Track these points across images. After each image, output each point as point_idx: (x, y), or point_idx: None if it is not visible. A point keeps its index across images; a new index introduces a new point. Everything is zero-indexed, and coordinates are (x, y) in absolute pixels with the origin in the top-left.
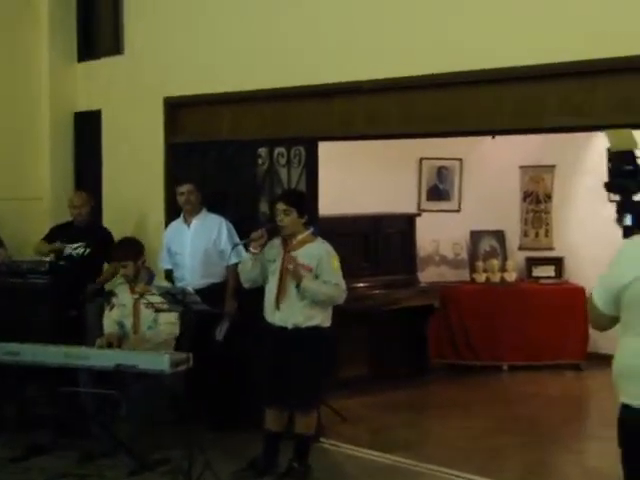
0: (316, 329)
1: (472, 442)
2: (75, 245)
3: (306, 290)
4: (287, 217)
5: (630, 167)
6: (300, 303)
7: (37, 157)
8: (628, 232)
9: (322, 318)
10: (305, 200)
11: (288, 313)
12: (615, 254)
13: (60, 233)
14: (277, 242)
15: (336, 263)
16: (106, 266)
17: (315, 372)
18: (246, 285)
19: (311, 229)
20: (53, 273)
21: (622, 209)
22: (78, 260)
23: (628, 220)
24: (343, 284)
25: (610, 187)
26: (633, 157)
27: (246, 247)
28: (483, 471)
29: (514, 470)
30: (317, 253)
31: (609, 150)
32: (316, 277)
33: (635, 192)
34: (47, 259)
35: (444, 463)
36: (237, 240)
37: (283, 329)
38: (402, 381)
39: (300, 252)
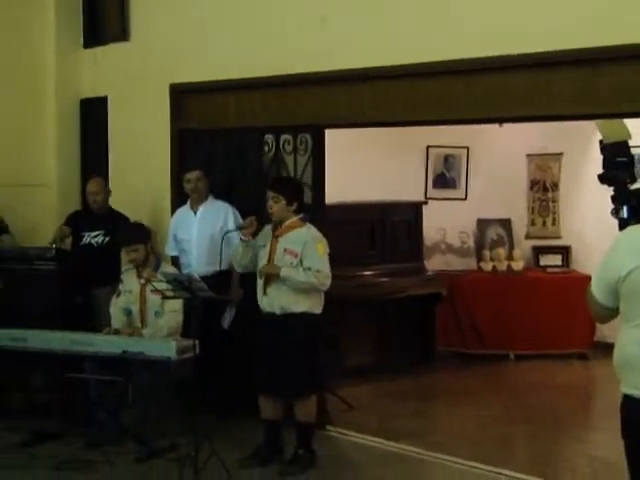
0: (305, 315)
1: (479, 430)
2: (94, 233)
3: (286, 279)
4: (276, 204)
5: (623, 159)
6: (284, 287)
7: (43, 144)
8: (624, 224)
9: (310, 304)
10: (295, 188)
11: (274, 298)
12: (611, 245)
13: (78, 220)
14: (268, 228)
15: (322, 249)
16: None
17: (306, 358)
18: (239, 270)
19: (300, 215)
20: (59, 260)
21: (617, 201)
22: (97, 248)
23: (624, 212)
24: (327, 270)
25: (602, 179)
26: (627, 148)
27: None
28: (489, 459)
29: (521, 459)
30: (303, 238)
31: (601, 142)
32: (300, 262)
33: (628, 183)
34: (64, 247)
35: (451, 451)
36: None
37: (272, 314)
38: (409, 369)
39: (287, 237)
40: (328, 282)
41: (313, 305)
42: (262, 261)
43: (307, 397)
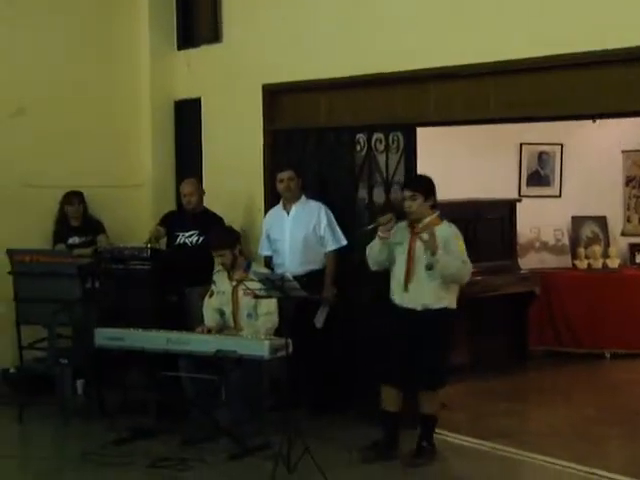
0: (445, 310)
1: (572, 430)
2: (188, 233)
3: (439, 260)
4: (414, 202)
5: None
6: (429, 284)
7: (139, 145)
8: None
9: (450, 300)
10: (430, 185)
11: (417, 294)
12: None
13: (173, 220)
14: (403, 225)
15: (462, 244)
16: None
17: (443, 353)
18: (373, 268)
19: (437, 212)
20: (154, 259)
21: None
22: (191, 248)
23: None
24: (469, 265)
25: None
26: None
27: (374, 231)
28: (583, 460)
29: (616, 460)
30: (444, 235)
31: None
32: None
33: None
34: (158, 246)
35: (543, 451)
36: (335, 226)
37: (412, 310)
38: (502, 368)
39: (433, 231)
40: (469, 276)
41: (451, 301)
42: (399, 257)
43: (438, 390)
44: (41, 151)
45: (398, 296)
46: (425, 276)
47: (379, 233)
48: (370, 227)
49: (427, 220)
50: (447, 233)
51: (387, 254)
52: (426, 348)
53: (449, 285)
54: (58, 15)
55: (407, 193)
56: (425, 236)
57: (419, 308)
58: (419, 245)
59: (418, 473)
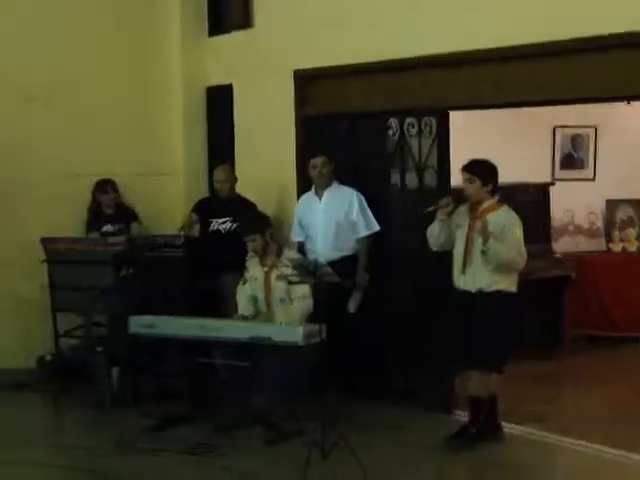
0: (499, 293)
1: (609, 415)
2: (222, 220)
3: (490, 249)
4: (471, 185)
5: None
6: (485, 268)
7: (171, 132)
8: None
9: (507, 283)
10: (490, 169)
11: (473, 277)
12: None
13: (206, 207)
14: (464, 209)
15: (519, 232)
16: None
17: (499, 335)
18: (434, 249)
19: (497, 197)
20: (188, 246)
21: None
22: (225, 235)
23: None
24: (524, 253)
25: None
26: None
27: (434, 213)
28: (620, 444)
29: None
30: (501, 221)
31: None
32: None
33: None
34: (192, 233)
35: (580, 435)
36: (368, 212)
37: (468, 293)
38: (538, 352)
39: (485, 219)
40: (524, 263)
41: (510, 284)
42: (459, 240)
43: (492, 372)
44: (73, 140)
45: (457, 279)
46: (481, 260)
47: (438, 215)
48: (430, 209)
49: (485, 204)
50: (505, 219)
51: (447, 236)
52: (481, 330)
53: (504, 270)
54: (89, 2)
55: (465, 175)
56: (479, 224)
57: (474, 290)
58: (477, 229)
59: (456, 458)
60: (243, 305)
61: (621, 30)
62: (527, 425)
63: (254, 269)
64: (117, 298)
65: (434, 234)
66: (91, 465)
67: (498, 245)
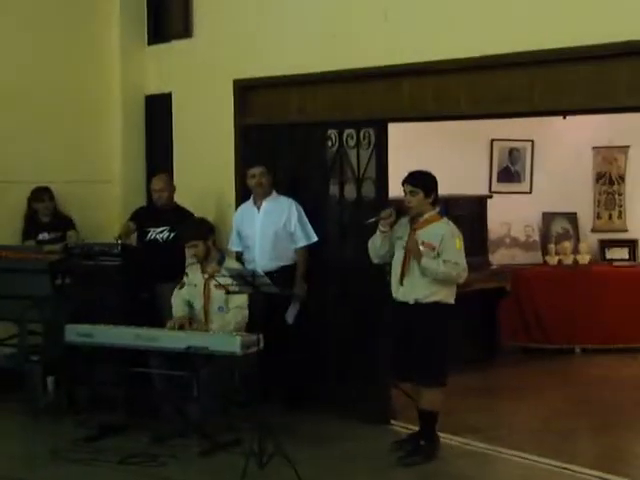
0: (437, 304)
1: (544, 425)
2: (159, 229)
3: (425, 268)
4: (414, 198)
5: None
6: (422, 280)
7: (109, 140)
8: None
9: (445, 294)
10: (432, 181)
11: (410, 289)
12: None
13: (144, 216)
14: (405, 220)
15: (459, 243)
16: None
17: (437, 348)
18: (375, 261)
19: (437, 209)
20: (125, 255)
21: None
22: (162, 244)
23: None
24: (464, 263)
25: None
26: None
27: (375, 224)
28: (555, 454)
29: (587, 454)
30: (441, 232)
31: None
32: (438, 255)
33: None
34: (129, 242)
35: (515, 446)
36: (306, 222)
37: (405, 304)
38: (473, 364)
39: (425, 231)
40: (465, 275)
41: (447, 295)
42: (398, 252)
43: (435, 385)
44: (9, 147)
45: (395, 290)
46: (419, 271)
47: (380, 227)
48: (372, 220)
49: (426, 216)
50: (444, 231)
51: (388, 248)
52: (419, 343)
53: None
54: (26, 10)
55: (407, 188)
56: (410, 243)
57: (411, 302)
58: (417, 241)
59: (395, 470)
60: (177, 308)
61: (557, 46)
62: (463, 436)
63: (194, 275)
64: (53, 307)
65: (376, 246)
66: (25, 475)
67: (432, 263)
